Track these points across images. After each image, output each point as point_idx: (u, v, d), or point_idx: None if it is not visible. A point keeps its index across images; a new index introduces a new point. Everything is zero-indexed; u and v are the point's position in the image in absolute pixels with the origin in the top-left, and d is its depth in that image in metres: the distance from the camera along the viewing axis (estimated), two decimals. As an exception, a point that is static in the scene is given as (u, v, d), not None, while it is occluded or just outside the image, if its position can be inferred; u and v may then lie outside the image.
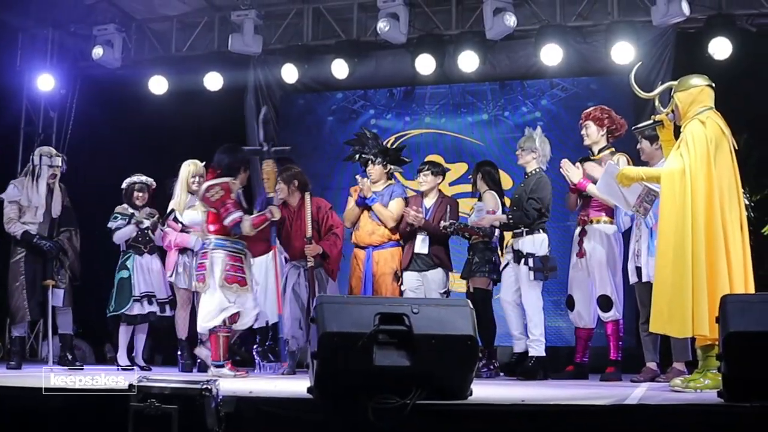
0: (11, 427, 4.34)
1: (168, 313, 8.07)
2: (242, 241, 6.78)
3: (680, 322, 5.00)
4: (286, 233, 7.58)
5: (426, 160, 8.41)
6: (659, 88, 5.76)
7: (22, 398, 4.48)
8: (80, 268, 7.93)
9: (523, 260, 7.17)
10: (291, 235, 7.57)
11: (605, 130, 7.06)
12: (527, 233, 7.20)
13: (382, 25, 9.27)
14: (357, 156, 7.90)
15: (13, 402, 4.45)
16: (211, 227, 6.79)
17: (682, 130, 5.39)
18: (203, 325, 6.74)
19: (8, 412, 4.37)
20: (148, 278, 8.02)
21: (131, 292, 7.91)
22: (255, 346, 8.02)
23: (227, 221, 6.62)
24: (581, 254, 7.10)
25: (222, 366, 6.61)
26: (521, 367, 7.17)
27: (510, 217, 7.31)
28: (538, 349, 7.16)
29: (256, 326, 7.79)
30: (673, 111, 5.52)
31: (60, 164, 7.89)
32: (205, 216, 7.93)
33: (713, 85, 5.46)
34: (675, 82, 5.58)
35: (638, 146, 6.88)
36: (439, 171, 7.90)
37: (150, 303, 7.94)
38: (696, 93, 5.39)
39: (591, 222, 7.09)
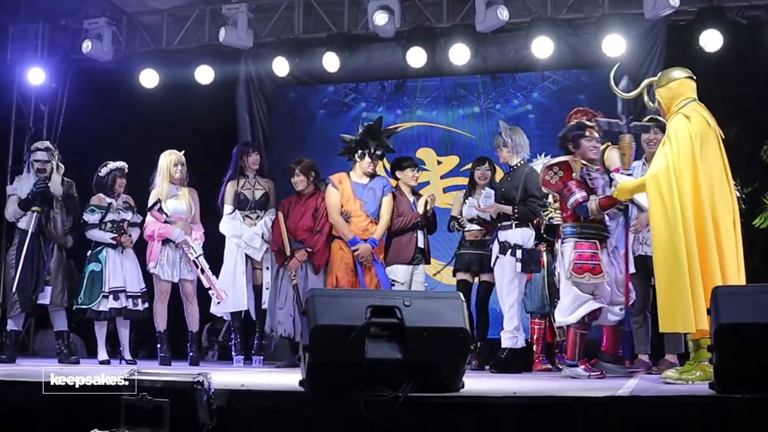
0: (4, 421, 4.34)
1: (140, 307, 7.87)
2: (596, 225, 6.15)
3: (683, 318, 4.97)
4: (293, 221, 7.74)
5: (406, 156, 8.33)
6: (639, 88, 5.70)
7: (18, 394, 4.49)
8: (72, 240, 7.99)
9: (510, 251, 7.05)
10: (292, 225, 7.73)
11: None
12: (516, 225, 7.10)
13: (375, 18, 9.24)
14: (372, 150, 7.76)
15: (8, 398, 4.47)
16: (562, 213, 6.31)
17: (667, 126, 5.38)
18: (559, 319, 6.29)
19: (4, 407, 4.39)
20: (119, 272, 7.77)
21: (101, 287, 7.70)
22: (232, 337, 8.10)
23: (569, 203, 6.10)
24: None
25: (576, 365, 6.08)
26: (493, 359, 7.05)
27: (516, 210, 7.12)
28: (512, 342, 7.06)
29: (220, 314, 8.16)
30: (660, 106, 5.52)
31: (46, 158, 7.87)
32: (189, 206, 7.94)
33: (694, 77, 5.44)
34: (654, 78, 5.57)
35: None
36: None
37: (116, 299, 7.68)
38: (675, 87, 5.38)
39: None
